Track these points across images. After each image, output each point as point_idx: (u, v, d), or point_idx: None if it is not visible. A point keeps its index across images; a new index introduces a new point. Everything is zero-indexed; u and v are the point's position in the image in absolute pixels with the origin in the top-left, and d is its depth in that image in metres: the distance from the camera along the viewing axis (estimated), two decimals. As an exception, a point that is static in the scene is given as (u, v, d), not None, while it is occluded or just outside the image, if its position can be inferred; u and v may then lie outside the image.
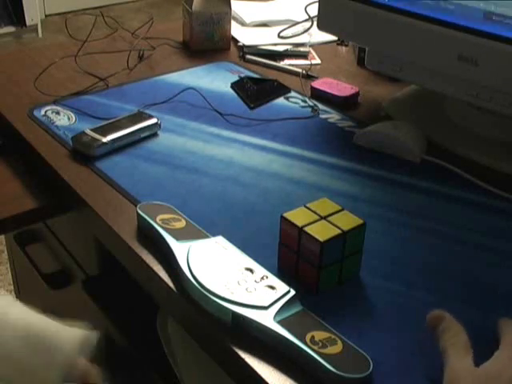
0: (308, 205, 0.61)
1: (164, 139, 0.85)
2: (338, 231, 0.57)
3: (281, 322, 0.54)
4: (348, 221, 0.59)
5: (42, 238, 1.05)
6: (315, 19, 1.05)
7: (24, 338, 0.56)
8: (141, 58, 1.09)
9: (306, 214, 0.60)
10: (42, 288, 1.01)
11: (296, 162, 0.81)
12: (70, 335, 0.58)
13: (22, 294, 1.32)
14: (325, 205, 0.61)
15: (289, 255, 0.60)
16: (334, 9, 0.91)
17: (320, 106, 0.95)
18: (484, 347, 0.52)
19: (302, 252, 0.59)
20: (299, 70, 1.06)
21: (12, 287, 1.50)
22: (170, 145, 0.84)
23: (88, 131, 0.82)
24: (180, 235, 0.64)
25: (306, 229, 0.58)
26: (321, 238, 0.56)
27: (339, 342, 0.52)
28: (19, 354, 0.56)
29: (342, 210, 0.61)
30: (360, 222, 0.59)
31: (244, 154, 0.83)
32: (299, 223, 0.58)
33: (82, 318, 0.62)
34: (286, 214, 0.60)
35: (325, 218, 0.59)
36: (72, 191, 0.75)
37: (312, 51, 1.15)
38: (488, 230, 0.70)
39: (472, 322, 0.57)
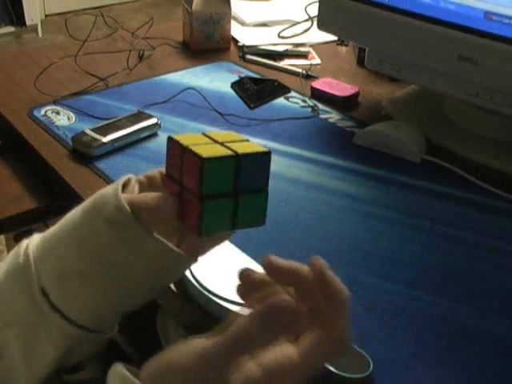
0: (207, 132, 0.48)
1: (164, 139, 0.84)
2: (230, 152, 0.44)
3: (281, 322, 0.54)
4: (249, 147, 0.46)
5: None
6: (315, 19, 1.05)
7: None
8: (141, 58, 1.09)
9: (199, 138, 0.48)
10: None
11: (296, 161, 0.81)
12: None
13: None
14: (228, 135, 0.48)
15: (173, 188, 0.47)
16: (334, 9, 0.91)
17: (320, 105, 0.95)
18: (483, 348, 0.52)
19: (185, 179, 0.46)
20: (299, 70, 1.06)
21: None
22: (170, 145, 0.84)
23: (88, 131, 0.82)
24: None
25: (191, 147, 0.45)
26: (204, 154, 0.43)
27: (339, 341, 0.52)
28: None
29: (247, 140, 0.47)
30: (264, 149, 0.45)
31: (244, 153, 0.83)
32: (186, 142, 0.46)
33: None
34: (174, 135, 0.48)
35: (222, 143, 0.46)
36: (72, 191, 0.75)
37: (312, 51, 1.15)
38: (488, 230, 0.70)
39: (471, 322, 0.57)
